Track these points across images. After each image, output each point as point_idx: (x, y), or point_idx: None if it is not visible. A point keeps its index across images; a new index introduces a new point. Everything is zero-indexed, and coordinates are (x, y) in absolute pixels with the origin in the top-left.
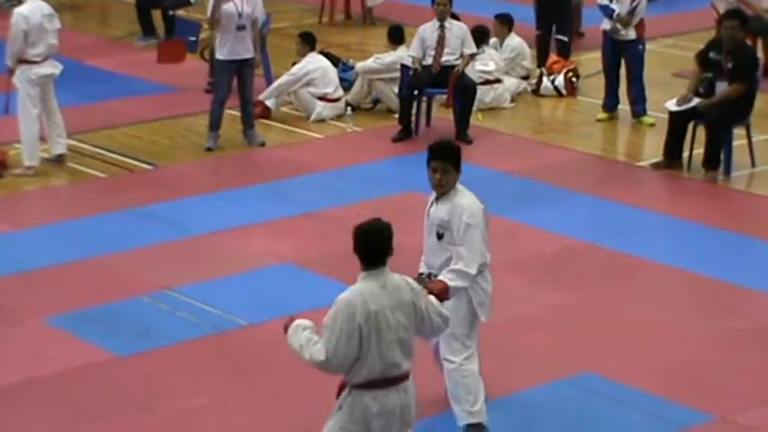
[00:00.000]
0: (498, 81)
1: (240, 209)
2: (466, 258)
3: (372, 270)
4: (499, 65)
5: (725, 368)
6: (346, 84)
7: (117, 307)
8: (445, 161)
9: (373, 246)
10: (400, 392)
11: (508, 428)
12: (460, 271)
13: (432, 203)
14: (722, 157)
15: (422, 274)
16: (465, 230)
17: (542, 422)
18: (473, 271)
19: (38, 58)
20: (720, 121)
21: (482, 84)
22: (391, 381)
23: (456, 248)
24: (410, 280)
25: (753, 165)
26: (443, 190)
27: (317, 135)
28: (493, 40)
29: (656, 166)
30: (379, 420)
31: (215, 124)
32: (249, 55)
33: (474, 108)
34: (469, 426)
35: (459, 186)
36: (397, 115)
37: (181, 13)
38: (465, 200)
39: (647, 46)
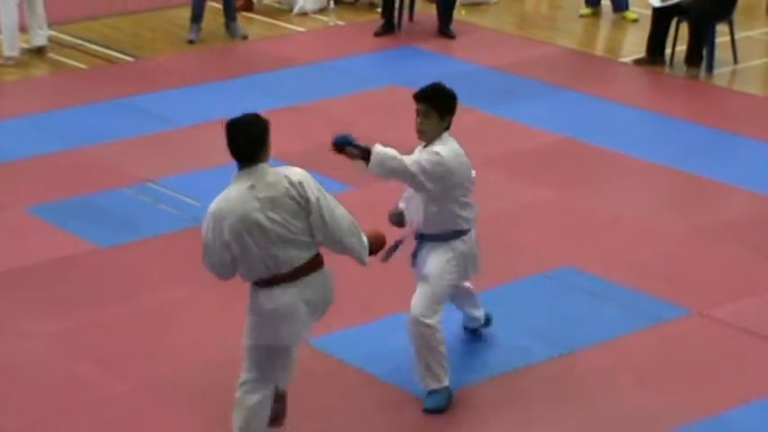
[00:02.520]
0: None
1: (222, 102)
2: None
3: (245, 168)
4: None
5: (702, 263)
6: None
7: (98, 198)
8: (426, 103)
9: (240, 142)
10: (302, 288)
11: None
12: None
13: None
14: (705, 53)
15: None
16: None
17: (520, 316)
18: (411, 169)
19: None
20: (703, 17)
21: None
22: (286, 277)
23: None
24: (292, 174)
25: (735, 61)
26: (422, 136)
27: (299, 28)
28: None
29: (638, 62)
30: (280, 318)
31: (197, 17)
32: None
33: (457, 2)
34: (433, 391)
35: (446, 136)
36: (379, 9)
37: None
38: (441, 147)
39: None
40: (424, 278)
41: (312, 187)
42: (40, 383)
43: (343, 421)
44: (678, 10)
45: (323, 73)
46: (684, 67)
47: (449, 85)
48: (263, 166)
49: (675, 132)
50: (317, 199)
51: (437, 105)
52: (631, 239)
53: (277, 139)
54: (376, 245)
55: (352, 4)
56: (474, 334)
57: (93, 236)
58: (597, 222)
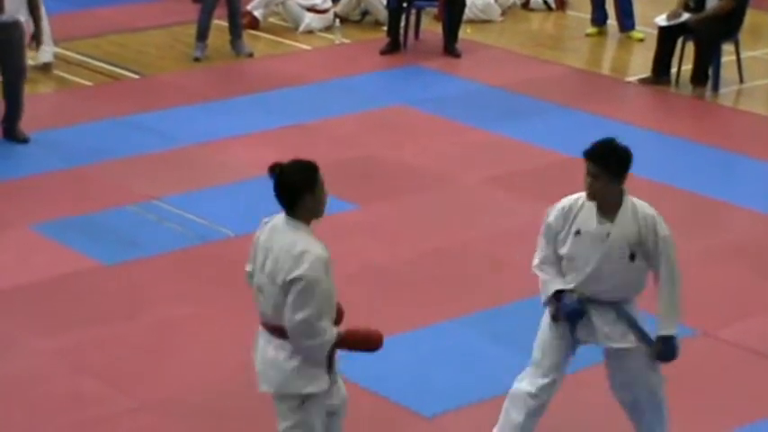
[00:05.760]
0: None
1: (227, 119)
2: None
3: (285, 216)
4: None
5: (708, 283)
6: None
7: (103, 216)
8: (595, 163)
9: (276, 189)
10: (263, 341)
11: (490, 341)
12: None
13: (581, 207)
14: (710, 73)
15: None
16: (657, 246)
17: (522, 336)
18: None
19: None
20: (709, 36)
21: None
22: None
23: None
24: (305, 254)
25: (741, 81)
26: (592, 198)
27: (304, 46)
28: None
29: (644, 81)
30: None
31: (202, 34)
32: None
33: (463, 21)
34: None
35: (631, 200)
36: (385, 27)
37: None
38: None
39: None
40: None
41: (301, 266)
42: (43, 400)
43: None
44: (684, 29)
45: (328, 91)
46: (690, 87)
47: (453, 102)
48: (298, 224)
49: (681, 152)
50: (295, 279)
51: (603, 165)
52: None
53: (282, 157)
54: (361, 341)
55: (357, 22)
56: None
57: (97, 253)
58: None
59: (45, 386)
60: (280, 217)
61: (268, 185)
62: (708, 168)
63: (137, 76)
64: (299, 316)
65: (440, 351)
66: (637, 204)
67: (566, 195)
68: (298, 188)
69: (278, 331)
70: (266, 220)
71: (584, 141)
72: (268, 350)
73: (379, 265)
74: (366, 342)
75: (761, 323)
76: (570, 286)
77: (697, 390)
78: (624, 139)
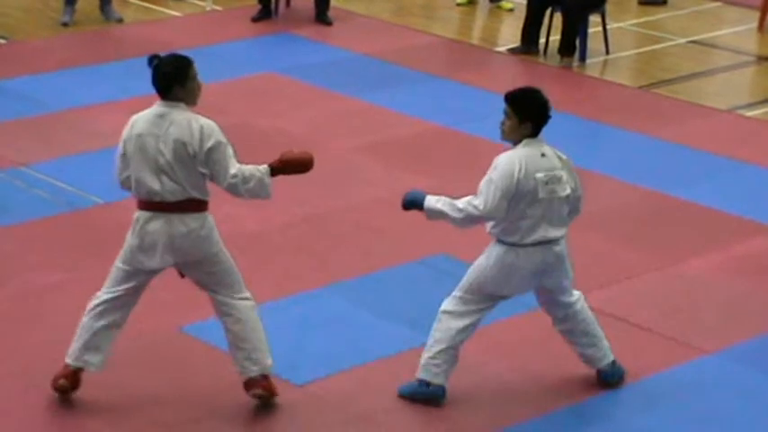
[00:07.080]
0: None
1: (97, 85)
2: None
3: (163, 101)
4: None
5: (571, 251)
6: None
7: None
8: (508, 104)
9: (156, 75)
10: (164, 221)
11: (359, 308)
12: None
13: None
14: (578, 43)
15: None
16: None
17: (393, 303)
18: (458, 206)
19: None
20: (576, 7)
21: None
22: (153, 206)
23: None
24: (206, 126)
25: (607, 52)
26: (503, 136)
27: (175, 13)
28: None
29: (513, 51)
30: (147, 239)
31: None
32: None
33: None
34: (421, 381)
35: (531, 142)
36: None
37: None
38: (504, 156)
39: None
40: None
41: (212, 136)
42: None
43: (215, 406)
44: (552, 0)
45: (199, 58)
46: (558, 57)
47: (324, 70)
48: (179, 105)
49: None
50: (216, 159)
51: (515, 106)
52: None
53: None
54: (295, 164)
55: None
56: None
57: None
58: None
59: None
60: (155, 109)
61: None
62: (573, 138)
63: (3, 41)
64: (232, 171)
65: (309, 319)
66: (516, 149)
67: (434, 164)
68: (170, 79)
69: (189, 204)
70: (135, 117)
71: (453, 110)
72: (178, 226)
73: (249, 233)
74: (298, 165)
75: (622, 290)
76: None
77: (560, 356)
78: (493, 108)
